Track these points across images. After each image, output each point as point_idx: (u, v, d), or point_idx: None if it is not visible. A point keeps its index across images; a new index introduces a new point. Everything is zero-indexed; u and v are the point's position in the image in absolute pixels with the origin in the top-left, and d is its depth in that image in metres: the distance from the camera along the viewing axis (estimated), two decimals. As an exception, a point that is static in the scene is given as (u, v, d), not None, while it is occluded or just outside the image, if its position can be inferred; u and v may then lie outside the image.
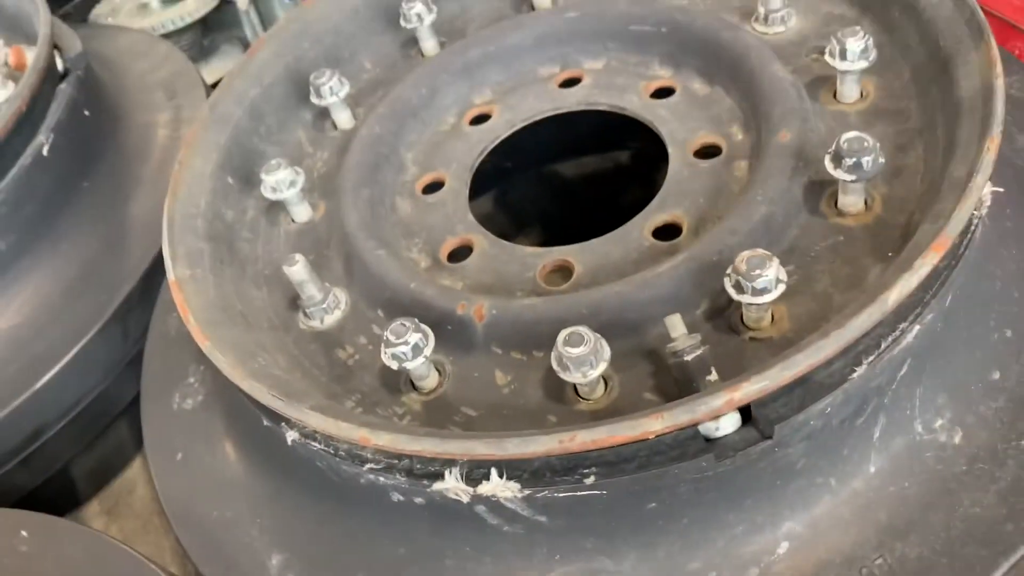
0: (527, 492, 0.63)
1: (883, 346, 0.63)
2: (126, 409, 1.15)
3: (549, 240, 1.52)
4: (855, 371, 0.62)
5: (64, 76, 1.25)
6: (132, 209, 1.21)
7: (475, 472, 0.64)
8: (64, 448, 1.13)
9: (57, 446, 1.11)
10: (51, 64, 1.23)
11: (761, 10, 0.95)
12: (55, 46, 1.27)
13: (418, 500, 0.68)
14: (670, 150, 0.89)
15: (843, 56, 0.81)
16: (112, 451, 1.27)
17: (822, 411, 0.63)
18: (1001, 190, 0.72)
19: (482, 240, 0.88)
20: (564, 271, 0.84)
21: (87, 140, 1.22)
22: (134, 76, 1.44)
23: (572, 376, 0.66)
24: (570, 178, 1.44)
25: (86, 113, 1.24)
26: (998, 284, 0.75)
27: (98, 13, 1.78)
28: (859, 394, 0.65)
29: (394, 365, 0.71)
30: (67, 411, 1.09)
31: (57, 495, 1.21)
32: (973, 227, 0.69)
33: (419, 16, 1.05)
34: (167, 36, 1.70)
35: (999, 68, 0.71)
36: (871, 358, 0.63)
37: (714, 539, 0.67)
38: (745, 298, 0.67)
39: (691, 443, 0.62)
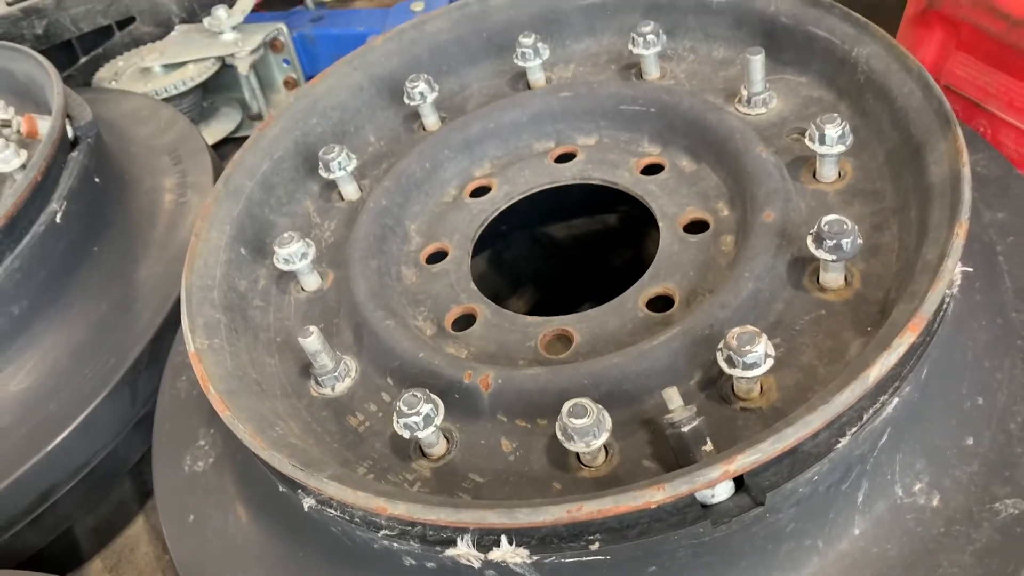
0: (536, 558, 0.67)
1: (865, 418, 0.68)
2: (129, 469, 1.18)
3: (543, 298, 1.57)
4: (840, 441, 0.67)
5: (75, 144, 1.30)
6: (141, 273, 1.25)
7: (486, 539, 0.68)
8: (72, 508, 1.15)
9: (66, 507, 1.13)
10: (63, 133, 1.27)
11: (744, 92, 1.01)
12: (67, 115, 1.32)
13: (430, 565, 0.72)
14: (661, 224, 0.95)
15: (822, 141, 0.87)
16: (115, 509, 1.30)
17: (810, 479, 0.67)
18: (971, 269, 0.77)
19: (484, 309, 0.93)
20: (564, 339, 0.88)
21: (97, 206, 1.27)
22: (139, 141, 1.49)
23: (576, 446, 0.71)
24: (561, 239, 1.49)
25: (96, 180, 1.28)
26: (969, 355, 0.80)
27: (101, 77, 1.83)
28: (844, 462, 0.69)
29: (406, 434, 0.75)
30: (76, 472, 1.11)
31: (61, 553, 1.23)
32: (945, 305, 0.74)
33: (422, 94, 1.11)
34: (169, 99, 1.76)
35: (965, 157, 0.77)
36: (854, 429, 0.68)
37: (711, 600, 0.71)
38: (736, 372, 0.72)
39: (689, 510, 0.66)
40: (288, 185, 1.09)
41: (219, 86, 1.90)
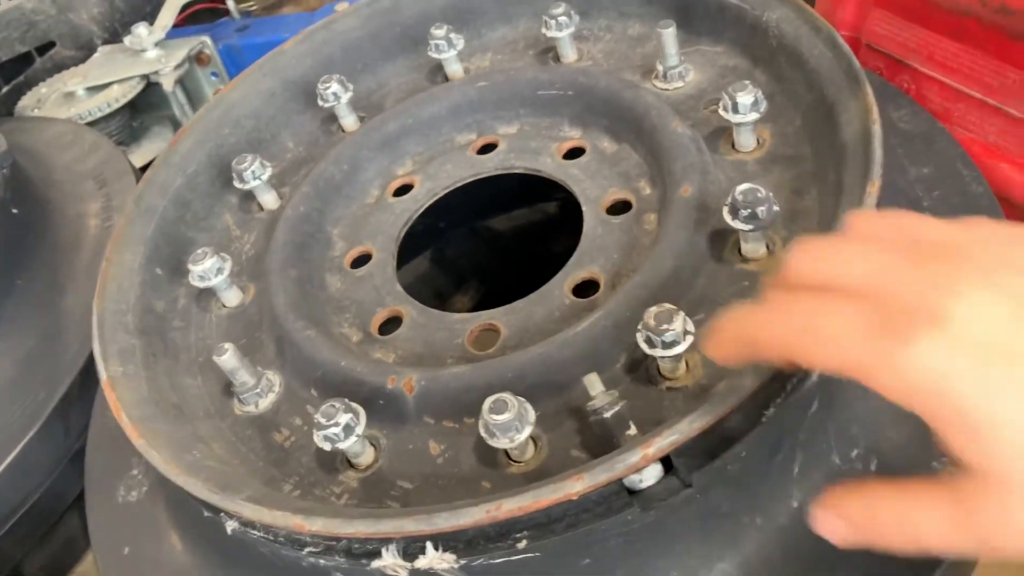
0: (463, 562, 0.65)
1: (789, 388, 0.67)
2: (74, 503, 1.15)
3: (488, 293, 1.55)
4: (764, 415, 0.66)
5: (-10, 176, 1.26)
6: (68, 303, 1.21)
7: (412, 547, 0.66)
8: (13, 548, 1.11)
9: (6, 547, 1.10)
10: (-25, 166, 1.23)
11: (660, 68, 1.00)
12: (-22, 146, 1.28)
13: (360, 578, 0.69)
14: (584, 208, 0.93)
15: (735, 109, 0.85)
16: (63, 546, 1.26)
17: (738, 455, 0.66)
18: (889, 227, 0.76)
19: (411, 310, 0.90)
20: (491, 333, 0.86)
21: (17, 238, 1.23)
22: (62, 168, 1.45)
23: (500, 442, 0.69)
24: (503, 232, 1.47)
25: (14, 211, 1.24)
26: (898, 316, 0.79)
27: (24, 105, 1.78)
28: (772, 435, 0.68)
29: (327, 447, 0.73)
30: (13, 512, 1.08)
31: (9, 595, 1.20)
32: (865, 265, 0.73)
33: (335, 95, 1.08)
34: (95, 123, 1.71)
35: (876, 114, 0.76)
36: (779, 401, 0.66)
37: (651, 587, 0.69)
38: (657, 352, 0.70)
39: (616, 498, 0.65)
40: (204, 200, 1.05)
41: (148, 105, 1.86)
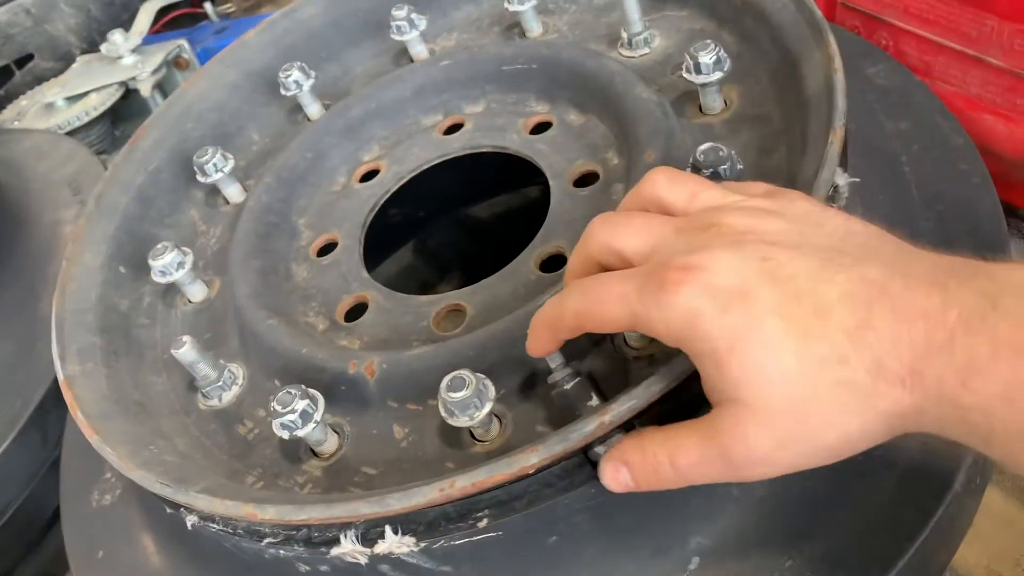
0: (423, 545, 0.63)
1: (755, 351, 0.64)
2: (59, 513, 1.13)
3: (470, 281, 1.53)
4: (730, 378, 0.63)
5: (-38, 186, 1.25)
6: (42, 310, 1.19)
7: (371, 532, 0.63)
8: (-3, 560, 1.10)
9: (-11, 559, 1.09)
10: (-54, 176, 1.22)
11: (624, 35, 0.97)
12: (-50, 157, 1.27)
13: (323, 568, 0.67)
14: (551, 183, 0.90)
15: (698, 70, 0.82)
16: (52, 558, 1.25)
17: (705, 422, 0.63)
18: (857, 180, 0.73)
19: (376, 295, 0.88)
20: (457, 314, 0.84)
21: (-9, 247, 1.22)
22: (38, 177, 1.44)
23: (459, 421, 0.66)
24: (485, 219, 1.44)
25: (-13, 220, 1.23)
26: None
27: (4, 118, 1.78)
28: (741, 400, 0.65)
29: (285, 435, 0.70)
30: (-8, 523, 1.07)
31: (-1, 611, 1.18)
32: (833, 220, 0.70)
33: (297, 83, 1.06)
34: (75, 132, 1.71)
35: (838, 63, 0.73)
36: (745, 363, 0.63)
37: (623, 564, 0.66)
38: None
39: (579, 472, 0.62)
40: (168, 196, 1.04)
41: (129, 113, 1.85)
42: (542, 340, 0.64)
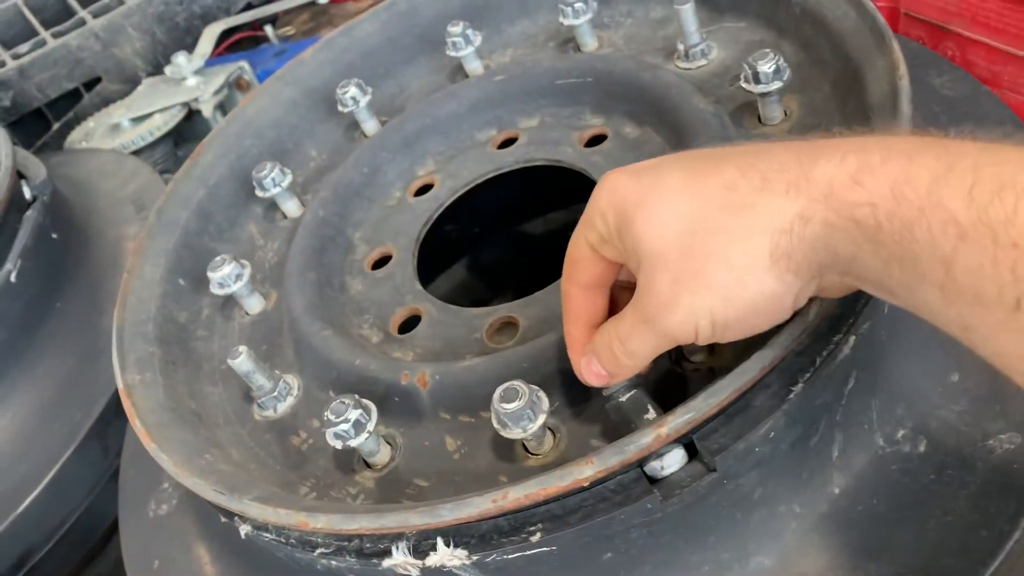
0: (476, 558, 0.61)
1: (818, 362, 0.62)
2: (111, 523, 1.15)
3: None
4: (792, 391, 0.61)
5: (32, 204, 1.28)
6: (105, 324, 1.22)
7: (423, 544, 0.63)
8: (57, 569, 1.12)
9: (49, 568, 1.10)
10: (17, 193, 1.26)
11: (681, 47, 0.96)
12: (20, 175, 1.31)
13: (374, 580, 0.67)
14: (606, 195, 0.89)
15: (756, 80, 0.81)
16: (112, 567, 1.27)
17: (766, 436, 0.61)
18: (924, 189, 0.71)
19: (430, 307, 0.88)
20: (510, 327, 0.83)
21: (57, 262, 1.25)
22: (103, 194, 1.48)
23: (512, 432, 0.65)
24: (539, 235, 1.44)
25: (54, 236, 1.27)
26: (943, 283, 0.73)
27: (73, 139, 1.83)
28: (804, 414, 0.63)
29: (338, 445, 0.70)
30: (52, 533, 1.08)
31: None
32: (899, 229, 0.68)
33: (354, 99, 1.07)
34: (140, 152, 1.75)
35: (903, 69, 0.71)
36: (807, 375, 0.61)
37: (681, 583, 0.64)
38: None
39: (635, 486, 0.60)
40: (228, 211, 1.05)
41: (193, 134, 1.89)
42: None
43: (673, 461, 0.61)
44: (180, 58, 1.78)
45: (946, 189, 0.43)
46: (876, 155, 0.47)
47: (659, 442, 0.57)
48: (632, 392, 0.64)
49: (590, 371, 0.63)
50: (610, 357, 0.60)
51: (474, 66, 1.10)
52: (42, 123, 1.90)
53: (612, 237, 0.57)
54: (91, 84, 1.90)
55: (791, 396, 0.61)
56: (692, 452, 0.61)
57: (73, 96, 1.91)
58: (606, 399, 0.66)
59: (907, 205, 0.44)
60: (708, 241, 0.51)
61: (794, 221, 0.48)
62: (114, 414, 1.12)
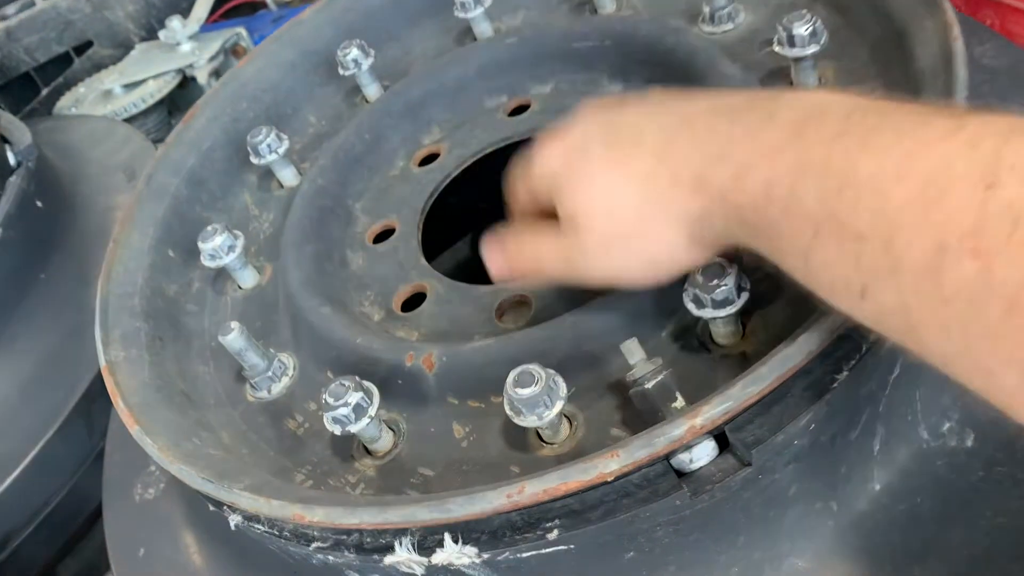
0: (486, 556, 0.56)
1: (864, 348, 0.56)
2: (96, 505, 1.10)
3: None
4: (836, 380, 0.55)
5: (15, 170, 1.22)
6: (92, 297, 1.15)
7: (429, 540, 0.57)
8: (40, 552, 1.07)
9: (31, 550, 1.05)
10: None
11: (706, 9, 0.90)
12: (4, 140, 1.25)
13: (374, 577, 0.61)
14: (625, 166, 0.83)
15: (791, 43, 0.75)
16: (97, 552, 1.22)
17: (805, 428, 0.56)
18: (978, 161, 0.65)
19: (436, 284, 0.82)
20: (522, 306, 0.77)
21: (41, 232, 1.19)
22: (94, 162, 1.42)
23: (527, 420, 0.60)
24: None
25: (39, 204, 1.21)
26: (992, 265, 0.68)
27: (62, 105, 1.76)
28: (847, 405, 0.58)
29: (337, 430, 0.65)
30: (36, 513, 1.03)
31: (43, 604, 1.15)
32: (951, 205, 0.62)
33: (356, 62, 1.01)
34: (132, 119, 1.69)
35: (956, 31, 0.65)
36: (852, 363, 0.56)
37: (708, 585, 0.59)
38: (706, 312, 0.60)
39: (662, 480, 0.55)
40: (221, 178, 0.99)
41: (186, 101, 1.82)
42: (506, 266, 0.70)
43: (703, 453, 0.56)
44: (175, 23, 1.71)
45: (802, 186, 0.47)
46: (753, 152, 0.51)
47: (692, 434, 0.51)
48: (659, 378, 0.58)
49: (494, 260, 0.69)
50: (521, 260, 0.67)
51: (483, 28, 1.04)
52: (30, 88, 1.84)
53: (543, 197, 0.65)
54: (82, 48, 1.83)
55: (835, 385, 0.55)
56: (723, 444, 0.56)
57: (63, 60, 1.84)
58: (629, 385, 0.60)
59: (774, 205, 0.49)
60: (635, 220, 0.58)
61: (702, 214, 0.55)
62: (99, 392, 1.06)
